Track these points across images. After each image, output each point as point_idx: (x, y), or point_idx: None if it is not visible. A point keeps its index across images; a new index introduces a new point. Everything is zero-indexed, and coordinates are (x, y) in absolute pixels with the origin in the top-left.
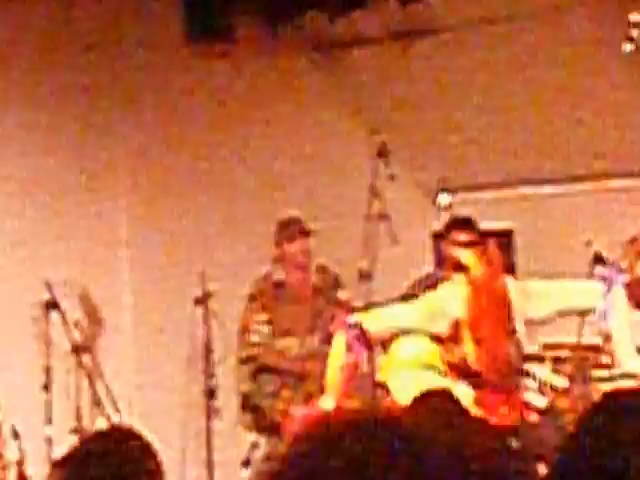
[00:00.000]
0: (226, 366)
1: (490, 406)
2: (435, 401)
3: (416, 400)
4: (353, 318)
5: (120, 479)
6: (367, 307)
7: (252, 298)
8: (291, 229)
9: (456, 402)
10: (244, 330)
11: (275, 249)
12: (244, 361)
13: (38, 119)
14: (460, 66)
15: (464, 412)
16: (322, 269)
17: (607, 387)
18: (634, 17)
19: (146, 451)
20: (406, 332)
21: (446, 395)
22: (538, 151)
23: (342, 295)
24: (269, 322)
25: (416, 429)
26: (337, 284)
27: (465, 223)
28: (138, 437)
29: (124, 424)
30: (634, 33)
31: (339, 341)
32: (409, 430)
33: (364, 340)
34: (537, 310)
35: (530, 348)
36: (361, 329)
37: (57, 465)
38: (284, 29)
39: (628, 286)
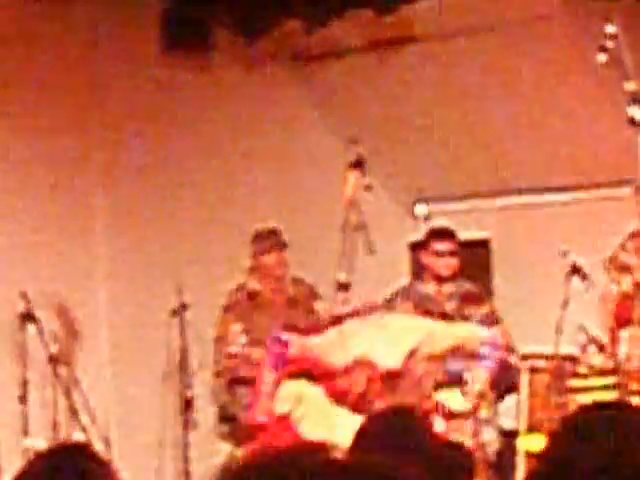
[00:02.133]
0: (203, 377)
1: None
2: (394, 418)
3: (374, 417)
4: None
5: None
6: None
7: (227, 309)
8: (267, 240)
9: (417, 419)
10: (220, 341)
11: (251, 260)
12: (220, 373)
13: (12, 131)
14: (437, 77)
15: (427, 428)
16: (298, 281)
17: (584, 397)
18: (610, 28)
19: (101, 468)
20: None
21: (406, 411)
22: (515, 161)
23: (319, 306)
24: (245, 332)
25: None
26: (313, 295)
27: (444, 233)
28: (92, 453)
29: (77, 441)
30: (609, 44)
31: None
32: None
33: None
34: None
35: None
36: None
37: None
38: (261, 40)
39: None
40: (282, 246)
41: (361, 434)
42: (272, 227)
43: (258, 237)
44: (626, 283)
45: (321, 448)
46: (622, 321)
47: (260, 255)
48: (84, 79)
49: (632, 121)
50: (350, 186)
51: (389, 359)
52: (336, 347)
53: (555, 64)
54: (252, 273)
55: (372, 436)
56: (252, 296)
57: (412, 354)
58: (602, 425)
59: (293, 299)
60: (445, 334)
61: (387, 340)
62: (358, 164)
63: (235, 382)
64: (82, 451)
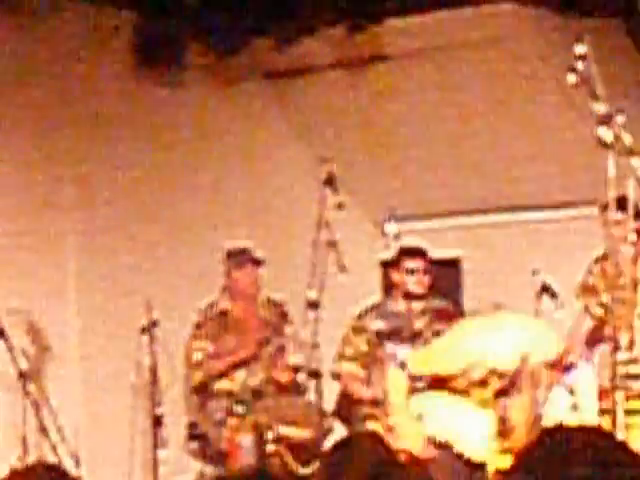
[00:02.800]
0: (173, 394)
1: None
2: (363, 445)
3: (341, 443)
4: (401, 354)
5: None
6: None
7: (197, 326)
8: (240, 258)
9: (385, 445)
10: (189, 357)
11: (224, 279)
12: (195, 387)
13: None
14: (408, 94)
15: (394, 456)
16: (270, 302)
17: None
18: (580, 49)
19: None
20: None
21: (375, 438)
22: (486, 180)
23: (288, 329)
24: (213, 348)
25: None
26: (284, 317)
27: (416, 251)
28: (62, 472)
29: (46, 460)
30: (578, 65)
31: (397, 375)
32: None
33: None
34: None
35: None
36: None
37: None
38: (233, 57)
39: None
40: (255, 263)
41: (327, 461)
42: (244, 245)
43: (231, 254)
44: (597, 307)
45: None
46: (592, 342)
47: (232, 273)
48: (55, 94)
49: (601, 142)
50: (321, 204)
51: (504, 361)
52: (449, 353)
53: (525, 84)
54: (224, 292)
55: (340, 462)
56: (222, 315)
57: (525, 359)
58: (565, 449)
59: (264, 320)
60: (554, 338)
61: (502, 341)
62: (329, 182)
63: (209, 397)
64: (53, 470)
